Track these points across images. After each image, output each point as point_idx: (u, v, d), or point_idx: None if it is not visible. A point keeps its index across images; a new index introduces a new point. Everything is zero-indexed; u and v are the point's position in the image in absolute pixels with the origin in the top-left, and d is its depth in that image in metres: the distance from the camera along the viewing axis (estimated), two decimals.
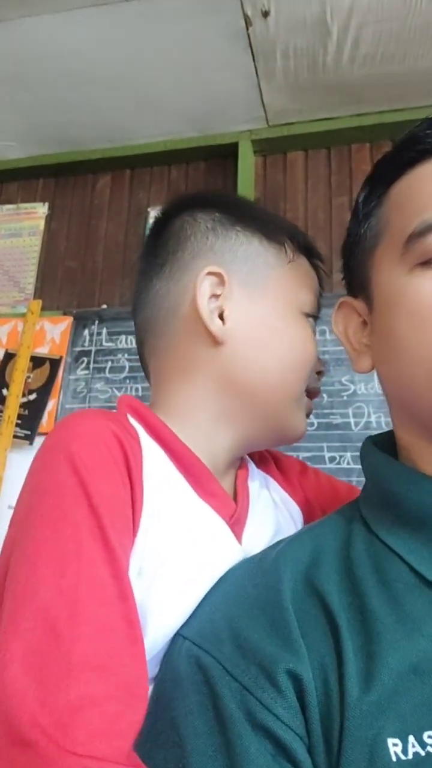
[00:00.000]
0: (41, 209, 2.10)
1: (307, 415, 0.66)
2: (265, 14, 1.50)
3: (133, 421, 0.57)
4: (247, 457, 0.69)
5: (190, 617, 0.49)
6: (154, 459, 0.54)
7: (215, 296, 0.60)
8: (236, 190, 1.84)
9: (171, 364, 0.62)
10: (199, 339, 0.60)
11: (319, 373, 0.67)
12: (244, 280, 0.61)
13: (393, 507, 0.48)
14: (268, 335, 0.60)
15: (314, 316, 0.66)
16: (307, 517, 0.70)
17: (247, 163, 1.90)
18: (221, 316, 0.60)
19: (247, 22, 1.53)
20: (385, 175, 0.52)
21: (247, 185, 1.87)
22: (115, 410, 0.60)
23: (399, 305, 0.47)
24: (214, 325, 0.59)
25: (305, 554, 0.49)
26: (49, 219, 2.09)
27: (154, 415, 0.58)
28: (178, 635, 0.48)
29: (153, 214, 1.94)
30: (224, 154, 1.95)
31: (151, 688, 0.46)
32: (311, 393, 0.66)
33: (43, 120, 1.92)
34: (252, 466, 0.70)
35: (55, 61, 1.68)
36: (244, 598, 0.47)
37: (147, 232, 0.71)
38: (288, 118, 1.87)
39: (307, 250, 0.68)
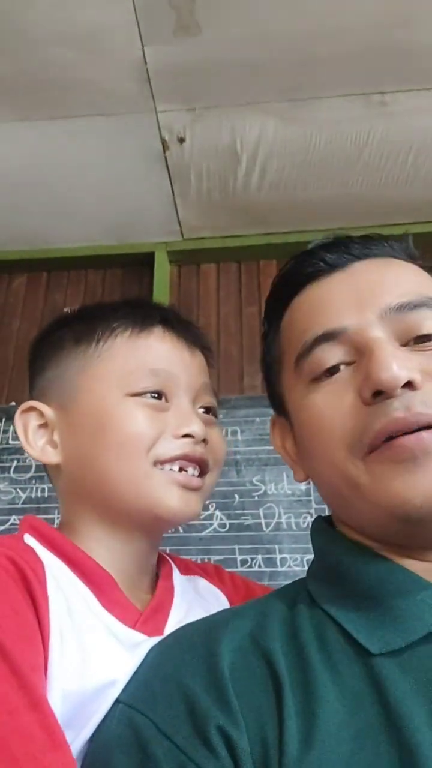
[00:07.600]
0: None
1: (193, 488, 0.62)
2: (181, 140, 1.64)
3: (31, 540, 0.57)
4: (172, 562, 0.71)
5: (128, 681, 0.49)
6: (57, 573, 0.55)
7: (43, 426, 0.63)
8: (152, 296, 1.91)
9: (59, 488, 0.67)
10: (51, 468, 0.65)
11: (187, 436, 0.61)
12: (57, 399, 0.64)
13: (338, 579, 0.51)
14: (92, 435, 0.60)
15: (154, 391, 0.62)
16: None
17: (163, 271, 2.00)
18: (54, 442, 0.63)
19: (165, 145, 1.66)
20: (274, 311, 0.60)
21: (162, 292, 1.95)
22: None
23: (303, 419, 0.54)
24: (46, 456, 0.63)
25: (252, 618, 0.51)
26: None
27: (55, 531, 0.60)
28: (115, 701, 0.48)
29: None
30: (141, 262, 2.04)
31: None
32: (190, 458, 0.61)
33: None
34: (176, 571, 0.70)
35: None
36: (183, 652, 0.49)
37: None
38: (201, 233, 2.01)
39: (145, 320, 0.65)
